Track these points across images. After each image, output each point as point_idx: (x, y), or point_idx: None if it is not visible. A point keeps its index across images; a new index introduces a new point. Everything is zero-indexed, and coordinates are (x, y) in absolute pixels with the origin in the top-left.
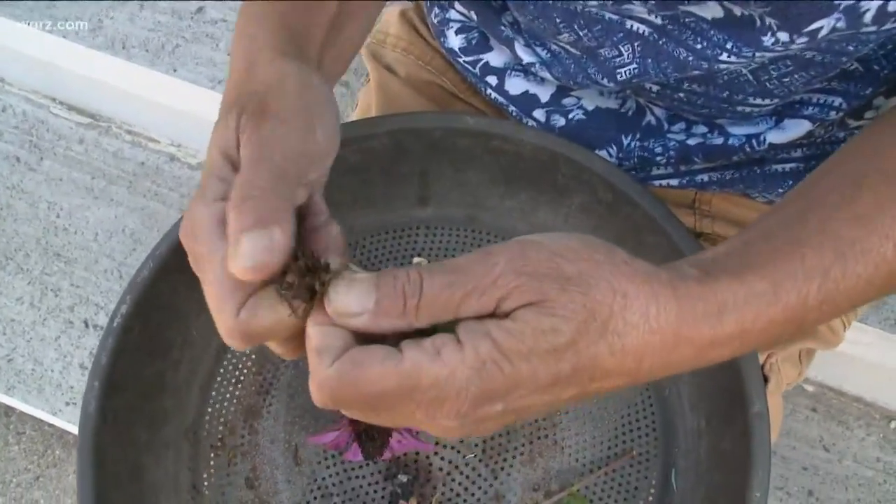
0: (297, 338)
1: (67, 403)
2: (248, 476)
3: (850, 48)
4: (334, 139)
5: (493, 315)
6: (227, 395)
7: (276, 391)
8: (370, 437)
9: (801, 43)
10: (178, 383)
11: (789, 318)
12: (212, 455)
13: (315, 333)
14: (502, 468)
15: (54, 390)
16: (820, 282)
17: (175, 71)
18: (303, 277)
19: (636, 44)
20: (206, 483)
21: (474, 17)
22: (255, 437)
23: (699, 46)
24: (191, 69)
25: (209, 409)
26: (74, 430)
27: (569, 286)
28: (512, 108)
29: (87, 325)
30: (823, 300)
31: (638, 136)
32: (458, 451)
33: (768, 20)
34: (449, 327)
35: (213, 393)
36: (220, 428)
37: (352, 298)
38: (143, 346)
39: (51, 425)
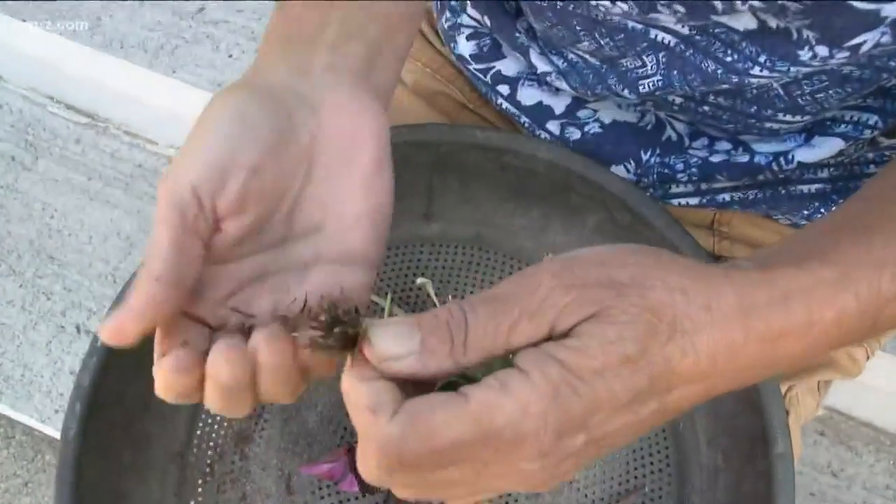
0: (243, 391)
1: (57, 411)
2: None
3: (893, 64)
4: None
5: (549, 339)
6: (218, 419)
7: (269, 416)
8: None
9: (841, 58)
10: (164, 404)
11: (864, 310)
12: (200, 482)
13: (364, 391)
14: (507, 503)
15: (43, 397)
16: (893, 270)
17: (174, 72)
18: (331, 328)
19: (661, 55)
20: None
21: (487, 22)
22: (246, 464)
23: (729, 59)
24: (190, 70)
25: (198, 433)
26: None
27: (625, 291)
28: (524, 119)
29: (78, 331)
30: None
31: (658, 151)
32: None
33: (806, 33)
34: (504, 365)
35: (203, 415)
36: (210, 453)
37: (394, 340)
38: (129, 365)
39: (41, 430)
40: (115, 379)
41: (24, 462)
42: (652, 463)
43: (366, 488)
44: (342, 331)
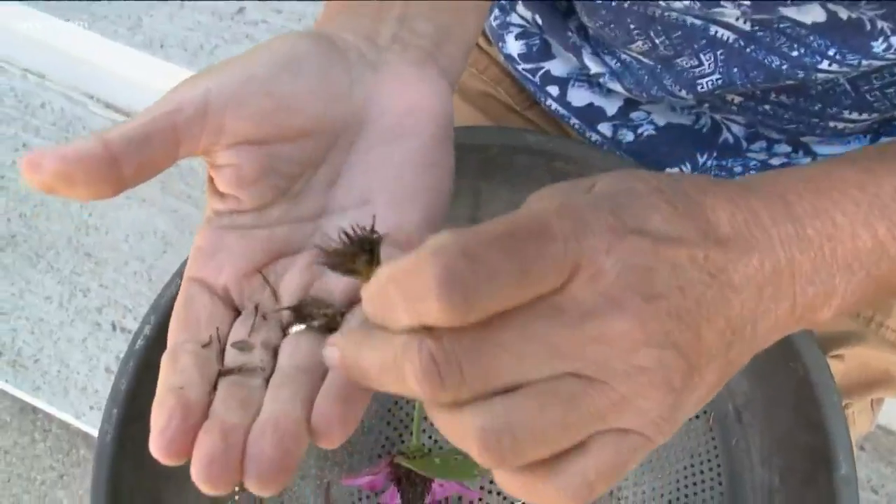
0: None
1: (92, 407)
2: None
3: None
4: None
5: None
6: None
7: None
8: (410, 482)
9: None
10: None
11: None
12: (236, 489)
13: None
14: None
15: (79, 393)
16: None
17: None
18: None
19: (719, 52)
20: None
21: (538, 21)
22: None
23: (795, 54)
24: None
25: None
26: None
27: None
28: (574, 120)
29: (114, 328)
30: None
31: (714, 154)
32: (505, 498)
33: (880, 24)
34: None
35: None
36: None
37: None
38: None
39: (76, 425)
40: (153, 383)
41: (60, 455)
42: (703, 481)
43: (408, 501)
44: (358, 245)
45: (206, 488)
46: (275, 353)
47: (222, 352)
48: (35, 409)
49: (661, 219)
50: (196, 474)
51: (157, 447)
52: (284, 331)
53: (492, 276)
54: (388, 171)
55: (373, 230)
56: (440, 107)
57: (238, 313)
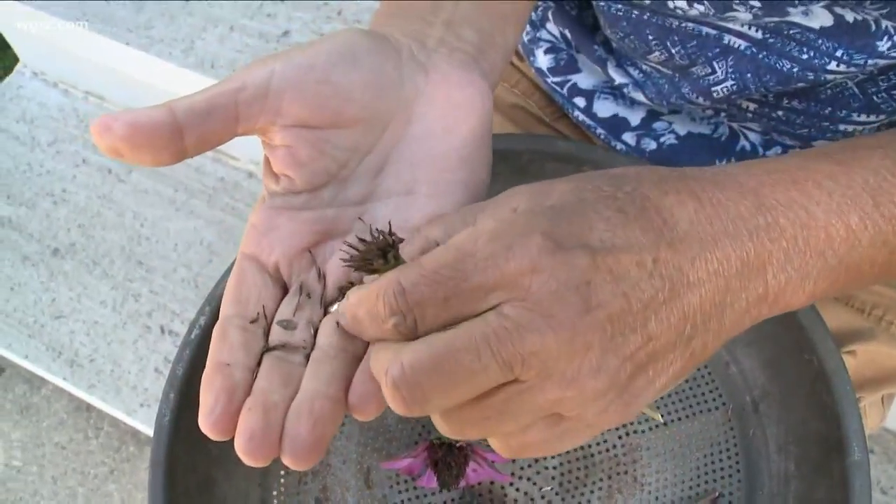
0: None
1: (141, 405)
2: (318, 496)
3: None
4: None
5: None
6: None
7: None
8: (446, 465)
9: None
10: None
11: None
12: (282, 472)
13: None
14: (579, 503)
15: (130, 391)
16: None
17: None
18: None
19: (730, 59)
20: (275, 501)
21: (568, 35)
22: (327, 457)
23: (805, 57)
24: None
25: None
26: (147, 429)
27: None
28: (600, 130)
29: (162, 331)
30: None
31: (733, 160)
32: (535, 483)
33: (885, 23)
34: None
35: None
36: None
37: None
38: None
39: (126, 423)
40: None
41: (111, 452)
42: (722, 469)
43: (444, 485)
44: (377, 248)
45: (247, 461)
46: (317, 331)
47: (269, 328)
48: (89, 408)
49: (606, 228)
50: (239, 448)
51: (206, 426)
52: (326, 309)
53: (423, 306)
54: (432, 163)
55: (391, 233)
56: (481, 106)
57: (286, 290)
